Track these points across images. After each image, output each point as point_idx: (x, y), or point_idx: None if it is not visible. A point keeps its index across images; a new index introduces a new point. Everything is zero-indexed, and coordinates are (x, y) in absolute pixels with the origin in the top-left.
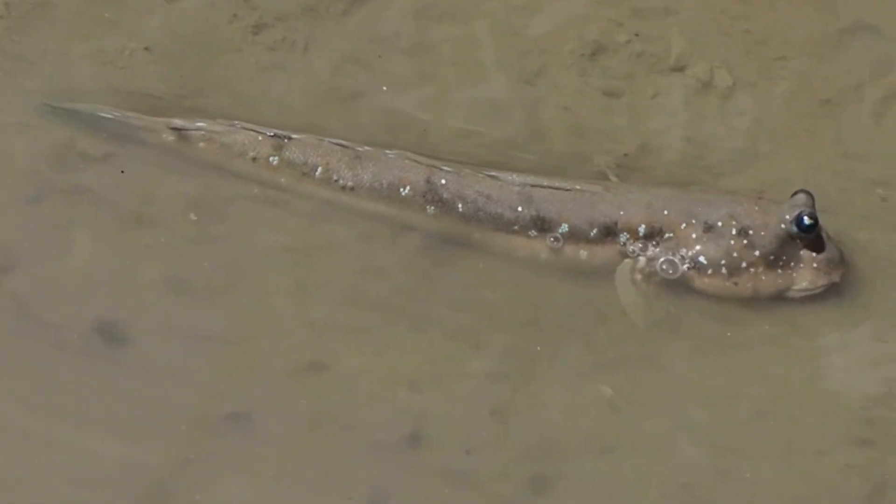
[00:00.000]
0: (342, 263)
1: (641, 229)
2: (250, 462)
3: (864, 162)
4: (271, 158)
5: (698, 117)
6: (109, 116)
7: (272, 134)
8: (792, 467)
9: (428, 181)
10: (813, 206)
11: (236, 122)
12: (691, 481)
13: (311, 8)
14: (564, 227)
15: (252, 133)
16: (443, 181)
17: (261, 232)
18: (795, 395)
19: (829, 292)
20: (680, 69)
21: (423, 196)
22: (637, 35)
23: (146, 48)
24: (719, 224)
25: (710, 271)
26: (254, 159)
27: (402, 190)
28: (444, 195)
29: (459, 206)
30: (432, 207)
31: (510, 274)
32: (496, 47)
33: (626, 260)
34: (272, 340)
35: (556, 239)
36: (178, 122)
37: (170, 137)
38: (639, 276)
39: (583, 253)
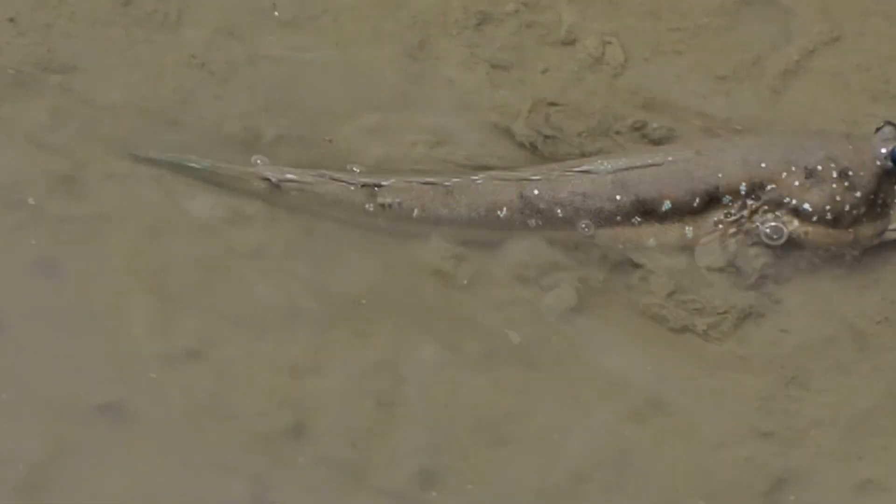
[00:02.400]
0: (221, 246)
1: (743, 188)
2: (127, 453)
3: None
4: (367, 206)
5: (589, 94)
6: (198, 167)
7: (361, 184)
8: (692, 461)
9: (521, 196)
10: None
11: (324, 172)
12: (587, 474)
13: None
14: (667, 204)
15: (343, 184)
16: (535, 192)
17: (133, 213)
18: (694, 387)
19: None
20: (570, 43)
21: (521, 212)
22: (525, 5)
23: (11, 19)
24: (819, 168)
25: (815, 219)
26: (349, 207)
27: (499, 213)
28: (541, 205)
29: (559, 211)
30: (533, 221)
31: (395, 261)
32: (378, 19)
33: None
34: (147, 327)
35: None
36: (268, 172)
37: (261, 185)
38: (732, 230)
39: (688, 229)
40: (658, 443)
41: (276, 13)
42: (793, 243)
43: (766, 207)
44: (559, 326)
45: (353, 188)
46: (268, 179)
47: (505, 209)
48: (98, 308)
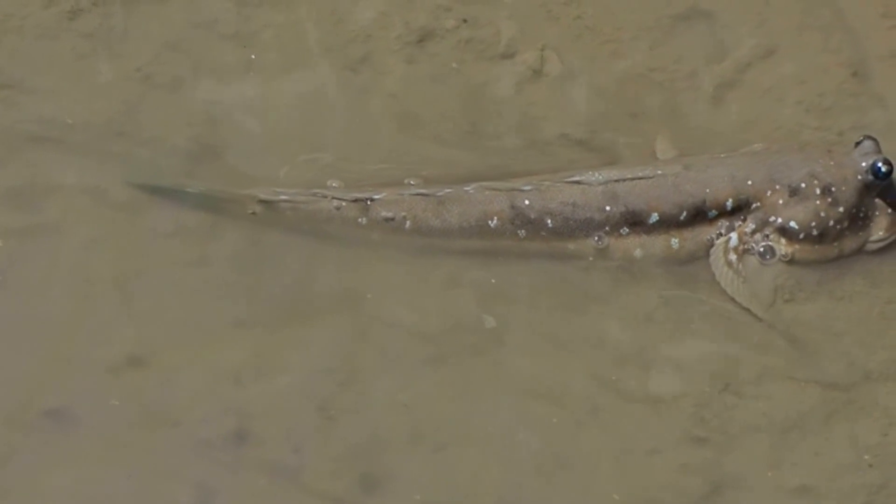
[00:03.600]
0: (164, 255)
1: (729, 204)
2: (72, 459)
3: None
4: (360, 220)
5: (529, 105)
6: (195, 192)
7: (353, 199)
8: (628, 466)
9: (512, 207)
10: (880, 150)
11: (317, 190)
12: (525, 480)
13: None
14: (654, 217)
15: (336, 200)
16: (526, 202)
17: (78, 224)
18: (628, 392)
19: None
20: (510, 56)
21: (512, 222)
22: (465, 21)
23: None
24: (803, 186)
25: (801, 236)
26: (342, 223)
27: (490, 222)
28: (532, 216)
29: (549, 221)
30: (523, 231)
31: (335, 267)
32: (320, 34)
33: (717, 242)
34: (91, 334)
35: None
36: (263, 195)
37: (258, 209)
38: (734, 257)
39: (674, 241)
40: (595, 448)
41: (253, 56)
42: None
43: (753, 226)
44: (498, 333)
45: (345, 204)
46: (264, 201)
47: (496, 219)
48: (43, 315)
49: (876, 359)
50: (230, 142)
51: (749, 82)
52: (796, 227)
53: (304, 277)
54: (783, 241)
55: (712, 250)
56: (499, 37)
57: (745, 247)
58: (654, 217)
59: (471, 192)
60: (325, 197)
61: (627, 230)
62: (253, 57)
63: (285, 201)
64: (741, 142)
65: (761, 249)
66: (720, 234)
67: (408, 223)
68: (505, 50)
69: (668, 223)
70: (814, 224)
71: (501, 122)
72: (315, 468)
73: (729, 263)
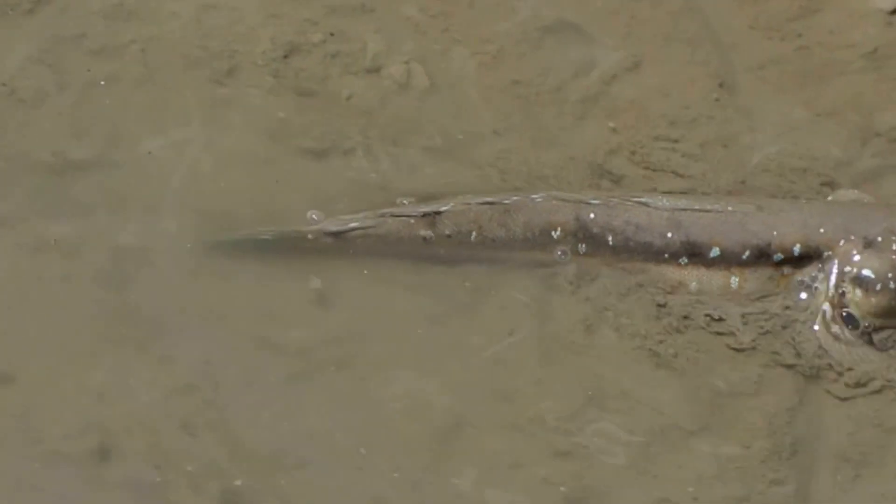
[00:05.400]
0: (29, 271)
1: (797, 249)
2: None
3: (561, 165)
4: (426, 236)
5: (395, 119)
6: (269, 237)
7: (421, 213)
8: (489, 480)
9: (577, 219)
10: None
11: (384, 211)
12: (385, 495)
13: None
14: (716, 251)
15: (403, 218)
16: (591, 216)
17: None
18: (491, 404)
19: None
20: (376, 70)
21: (574, 235)
22: (332, 34)
23: None
24: (879, 239)
25: (878, 287)
26: (410, 240)
27: (553, 233)
28: (594, 230)
29: (609, 238)
30: (583, 245)
31: (201, 282)
32: (186, 48)
33: (817, 319)
34: None
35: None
36: (332, 227)
37: (328, 240)
38: (836, 328)
39: (734, 279)
40: (457, 462)
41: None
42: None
43: (835, 285)
44: (364, 346)
45: (413, 220)
46: (333, 234)
47: (559, 230)
48: None
49: (737, 375)
50: (94, 154)
51: (614, 95)
52: (872, 276)
53: (166, 292)
54: (859, 292)
55: (817, 331)
56: (365, 51)
57: (840, 311)
58: (716, 252)
59: (539, 199)
60: (393, 216)
61: (686, 260)
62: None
63: (355, 229)
64: (606, 152)
65: (844, 314)
66: (783, 275)
67: (473, 235)
68: (371, 64)
69: (730, 260)
70: (891, 275)
71: (368, 136)
72: (177, 484)
73: (836, 337)
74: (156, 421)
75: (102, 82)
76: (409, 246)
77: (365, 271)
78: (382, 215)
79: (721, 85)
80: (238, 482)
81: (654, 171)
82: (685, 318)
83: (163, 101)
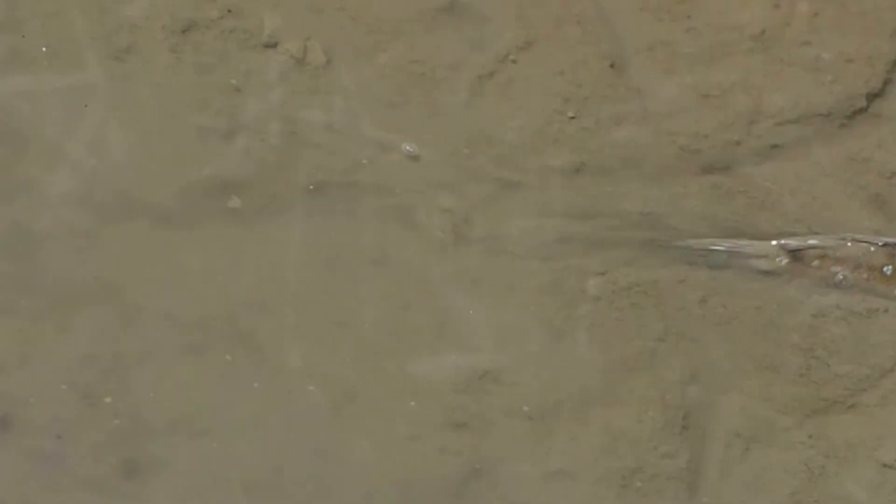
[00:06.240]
0: None
1: None
2: None
3: (458, 141)
4: (885, 269)
5: (292, 94)
6: (722, 249)
7: (882, 244)
8: (386, 452)
9: None
10: None
11: (846, 234)
12: (285, 465)
13: None
14: None
15: (863, 245)
16: None
17: None
18: (386, 377)
19: None
20: (273, 45)
21: None
22: (230, 11)
23: None
24: None
25: None
26: (868, 270)
27: None
28: None
29: None
30: None
31: (97, 255)
32: (86, 24)
33: None
34: None
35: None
36: (792, 242)
37: (784, 261)
38: None
39: None
40: (354, 435)
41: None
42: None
43: None
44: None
45: (873, 249)
46: (792, 251)
47: None
48: None
49: (632, 347)
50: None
51: (509, 74)
52: None
53: (65, 265)
54: None
55: None
56: (262, 27)
57: None
58: None
59: None
60: (854, 241)
61: None
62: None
63: (812, 247)
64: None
65: None
66: None
67: None
68: (268, 40)
69: None
70: None
71: (264, 112)
72: (78, 454)
73: None
74: (57, 391)
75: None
76: (857, 278)
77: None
78: (843, 238)
79: (612, 65)
80: (138, 452)
81: (552, 142)
82: (582, 291)
83: (63, 82)
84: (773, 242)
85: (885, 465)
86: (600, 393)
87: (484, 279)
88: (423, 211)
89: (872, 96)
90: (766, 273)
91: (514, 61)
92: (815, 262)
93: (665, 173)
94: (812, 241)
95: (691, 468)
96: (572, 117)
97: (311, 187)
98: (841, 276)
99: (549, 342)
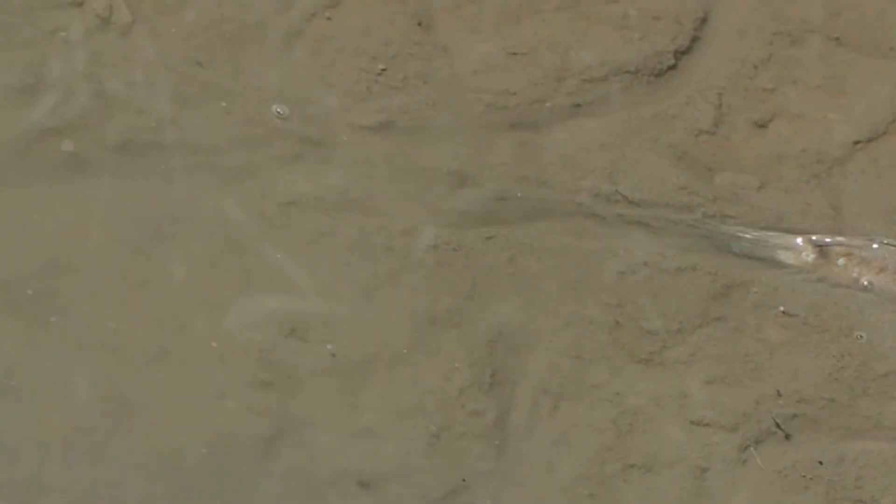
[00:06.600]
0: None
1: None
2: None
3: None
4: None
5: (98, 54)
6: (748, 237)
7: None
8: (194, 410)
9: None
10: None
11: (875, 236)
12: (91, 424)
13: None
14: None
15: (892, 248)
16: None
17: None
18: (194, 336)
19: None
20: (78, 4)
21: None
22: None
23: None
24: None
25: None
26: (894, 273)
27: None
28: None
29: None
30: None
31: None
32: None
33: None
34: None
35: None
36: (817, 237)
37: (810, 256)
38: None
39: None
40: (162, 392)
41: None
42: None
43: None
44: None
45: None
46: (819, 246)
47: None
48: None
49: (441, 305)
50: None
51: (315, 32)
52: None
53: None
54: None
55: None
56: None
57: None
58: None
59: None
60: (886, 244)
61: None
62: None
63: (839, 243)
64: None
65: None
66: None
67: None
68: None
69: None
70: None
71: (70, 71)
72: None
73: None
74: None
75: None
76: (884, 281)
77: None
78: (871, 239)
79: (420, 23)
80: None
81: (361, 101)
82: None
83: None
84: (800, 238)
85: (692, 423)
86: (409, 351)
87: (292, 237)
88: (230, 171)
89: (680, 53)
90: (792, 267)
91: (326, 19)
92: (841, 261)
93: (473, 131)
94: (840, 239)
95: (499, 425)
96: (379, 74)
97: (118, 146)
98: (866, 283)
99: (357, 300)
